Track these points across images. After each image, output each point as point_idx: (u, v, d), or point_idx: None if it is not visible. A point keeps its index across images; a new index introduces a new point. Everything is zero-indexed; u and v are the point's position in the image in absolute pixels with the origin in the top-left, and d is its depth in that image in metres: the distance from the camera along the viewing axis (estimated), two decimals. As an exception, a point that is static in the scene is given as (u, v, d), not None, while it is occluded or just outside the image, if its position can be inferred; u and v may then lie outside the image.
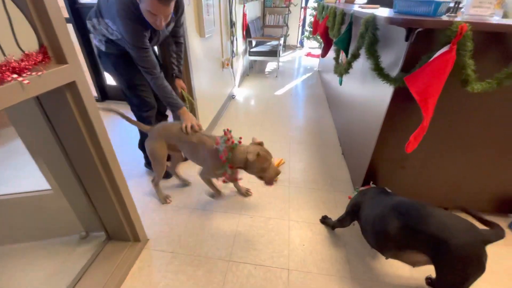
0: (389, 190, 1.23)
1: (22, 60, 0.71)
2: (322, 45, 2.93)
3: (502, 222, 1.53)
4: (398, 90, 1.21)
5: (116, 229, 1.30)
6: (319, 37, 5.73)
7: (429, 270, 1.05)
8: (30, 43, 0.74)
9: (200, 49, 2.10)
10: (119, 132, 2.47)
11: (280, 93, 3.54)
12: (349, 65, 1.56)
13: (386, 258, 1.11)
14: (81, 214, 1.31)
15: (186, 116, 1.45)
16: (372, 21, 1.24)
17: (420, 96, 1.04)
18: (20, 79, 0.68)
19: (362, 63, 1.71)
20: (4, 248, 1.38)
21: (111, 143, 1.05)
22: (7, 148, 2.29)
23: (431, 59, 1.01)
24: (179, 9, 1.46)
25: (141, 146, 1.83)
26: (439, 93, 1.01)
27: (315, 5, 5.66)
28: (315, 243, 1.39)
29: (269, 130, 2.56)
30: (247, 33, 3.91)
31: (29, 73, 0.71)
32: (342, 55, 1.97)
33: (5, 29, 0.68)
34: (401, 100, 1.23)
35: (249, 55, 4.19)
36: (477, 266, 0.88)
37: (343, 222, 1.34)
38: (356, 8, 1.89)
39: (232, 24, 2.97)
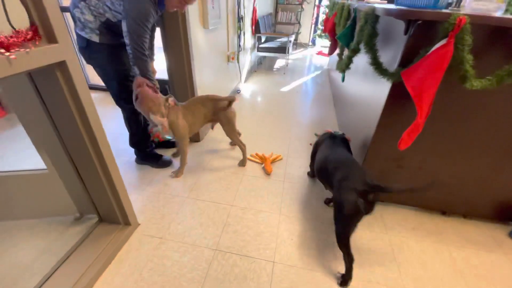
0: (343, 136, 1.51)
1: (11, 37, 0.73)
2: (330, 43, 2.89)
3: (502, 230, 1.47)
4: (396, 86, 1.17)
5: (107, 212, 1.32)
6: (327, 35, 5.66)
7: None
8: (21, 20, 0.76)
9: (203, 40, 2.10)
10: (118, 122, 2.52)
11: (286, 90, 3.51)
12: (349, 60, 1.53)
13: (326, 189, 1.43)
14: (75, 196, 1.35)
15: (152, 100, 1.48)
16: (371, 14, 1.21)
17: (415, 91, 1.01)
18: (7, 54, 0.70)
19: (363, 59, 1.66)
20: (3, 223, 1.43)
21: (102, 126, 1.07)
22: (16, 130, 2.38)
23: (428, 53, 0.97)
24: None
25: (132, 143, 1.84)
26: (435, 89, 0.97)
27: (328, 2, 5.58)
28: (304, 238, 1.38)
29: (270, 125, 2.55)
30: (256, 29, 3.89)
31: (17, 49, 0.74)
32: (346, 51, 1.93)
33: (-5, 6, 0.70)
34: (399, 96, 1.20)
35: (258, 50, 4.18)
36: (355, 208, 1.07)
37: (311, 167, 1.69)
38: (361, 2, 1.84)
39: (240, 18, 2.96)
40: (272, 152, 2.06)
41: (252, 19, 3.67)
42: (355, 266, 1.18)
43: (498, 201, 1.42)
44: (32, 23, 0.79)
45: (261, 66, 4.63)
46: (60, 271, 1.13)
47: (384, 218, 1.51)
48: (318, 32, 5.96)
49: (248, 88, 3.53)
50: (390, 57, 1.23)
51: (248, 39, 3.56)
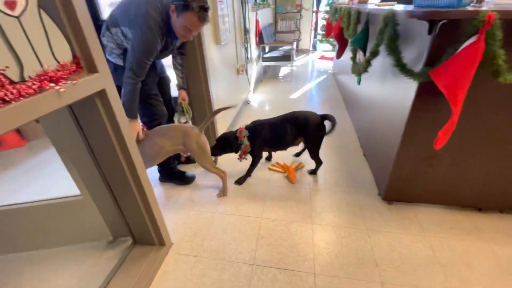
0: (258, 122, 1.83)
1: (58, 70, 0.76)
2: (337, 47, 2.91)
3: (544, 222, 1.42)
4: (423, 85, 1.17)
5: (142, 234, 1.32)
6: (332, 40, 5.71)
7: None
8: (64, 54, 0.79)
9: (216, 56, 2.14)
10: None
11: (295, 97, 3.53)
12: (368, 63, 1.54)
13: (286, 149, 1.87)
14: (109, 219, 1.35)
15: (132, 126, 1.41)
16: (392, 17, 1.22)
17: (448, 89, 1.00)
18: (57, 87, 0.72)
19: (381, 61, 1.67)
20: (37, 253, 1.44)
21: (137, 149, 1.08)
22: (39, 158, 2.42)
23: (458, 50, 0.98)
24: None
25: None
26: (468, 86, 0.97)
27: (327, 8, 5.66)
28: (341, 247, 1.35)
29: (286, 133, 2.55)
30: (260, 39, 3.95)
31: (64, 82, 0.76)
32: (359, 54, 1.94)
33: (42, 42, 0.72)
34: (426, 95, 1.19)
35: (263, 60, 4.23)
36: (323, 128, 1.76)
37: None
38: (371, 6, 1.87)
39: (246, 31, 3.02)
40: (293, 161, 2.06)
41: (255, 30, 3.73)
42: (399, 273, 1.15)
43: (537, 193, 1.38)
44: (74, 55, 0.81)
45: (266, 75, 4.68)
46: (102, 297, 1.13)
47: (419, 219, 1.48)
48: (319, 37, 6.03)
49: (257, 98, 3.56)
50: (413, 57, 1.23)
51: (253, 51, 3.62)
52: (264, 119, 1.84)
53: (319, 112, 1.81)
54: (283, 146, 1.83)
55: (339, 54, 2.84)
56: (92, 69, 0.86)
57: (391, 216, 1.52)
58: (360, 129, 2.35)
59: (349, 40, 2.07)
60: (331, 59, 5.39)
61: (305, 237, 1.41)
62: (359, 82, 1.95)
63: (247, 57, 3.17)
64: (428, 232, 1.40)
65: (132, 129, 1.44)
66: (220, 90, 2.26)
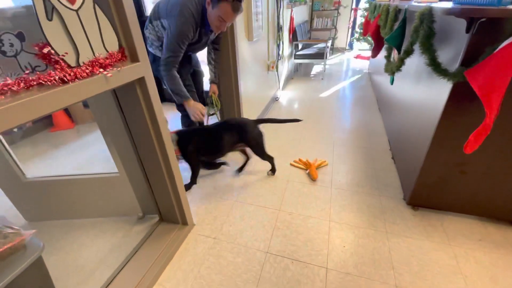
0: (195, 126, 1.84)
1: (106, 58, 0.87)
2: (373, 45, 2.82)
3: None
4: (457, 86, 1.11)
5: (168, 212, 1.44)
6: (369, 38, 5.48)
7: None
8: (112, 44, 0.90)
9: (247, 52, 2.21)
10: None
11: (326, 96, 3.48)
12: (401, 61, 1.49)
13: (224, 156, 1.83)
14: (140, 197, 1.49)
15: (190, 107, 1.57)
16: (428, 14, 1.17)
17: (483, 90, 0.95)
18: (105, 73, 0.84)
19: (416, 61, 1.60)
20: (77, 221, 1.64)
21: (169, 134, 1.19)
22: (85, 140, 2.72)
23: (496, 50, 0.92)
24: None
25: None
26: (505, 88, 0.91)
27: (367, 5, 5.44)
28: (357, 246, 1.34)
29: (312, 131, 2.54)
30: (293, 37, 3.95)
31: (111, 69, 0.87)
32: (394, 53, 1.88)
33: (95, 33, 0.84)
34: (461, 97, 1.13)
35: (295, 58, 4.22)
36: (259, 132, 1.77)
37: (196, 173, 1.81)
38: (411, 3, 1.78)
39: (279, 28, 3.04)
40: (317, 158, 2.06)
41: (289, 28, 3.74)
42: (418, 279, 1.12)
43: None
44: (120, 46, 0.93)
45: (298, 73, 4.66)
46: (129, 265, 1.26)
47: (444, 228, 1.41)
48: (356, 35, 5.82)
49: (287, 95, 3.57)
50: (449, 56, 1.17)
51: (285, 48, 3.63)
52: (198, 126, 1.83)
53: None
54: (220, 154, 1.78)
55: (375, 53, 2.74)
56: (134, 58, 0.97)
57: (415, 222, 1.47)
58: (391, 131, 2.27)
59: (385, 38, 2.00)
60: (368, 58, 5.19)
61: (321, 233, 1.43)
62: (391, 82, 1.88)
63: (279, 54, 3.19)
64: (453, 242, 1.33)
65: (192, 107, 1.58)
66: (248, 85, 2.32)
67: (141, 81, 1.01)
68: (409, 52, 1.43)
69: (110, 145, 1.34)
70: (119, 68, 0.88)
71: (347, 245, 1.36)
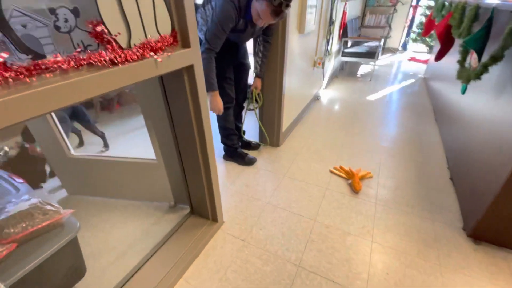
0: None
1: (158, 41, 0.81)
2: (436, 47, 2.49)
3: None
4: None
5: (199, 206, 1.40)
6: (429, 40, 4.95)
7: None
8: (165, 27, 0.84)
9: (296, 46, 2.07)
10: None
11: (373, 99, 3.21)
12: (484, 68, 1.24)
13: None
14: (174, 186, 1.47)
15: (213, 99, 1.54)
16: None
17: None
18: (155, 57, 0.78)
19: (499, 69, 1.34)
20: (113, 201, 1.67)
21: (210, 126, 1.12)
22: (127, 123, 2.82)
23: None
24: None
25: (222, 139, 1.95)
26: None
27: (430, 3, 4.91)
28: (403, 276, 1.17)
29: (355, 137, 2.34)
30: (344, 33, 3.68)
31: (162, 53, 0.81)
32: (472, 57, 1.60)
33: (149, 14, 0.78)
34: None
35: (342, 55, 3.95)
36: None
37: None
38: (499, 1, 1.49)
39: (331, 22, 2.83)
40: (360, 168, 1.87)
41: (341, 23, 3.49)
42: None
43: None
44: (173, 29, 0.86)
45: (343, 72, 4.37)
46: (157, 255, 1.24)
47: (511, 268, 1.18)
48: (413, 35, 5.30)
49: (329, 95, 3.36)
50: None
51: (334, 44, 3.40)
52: None
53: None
54: None
55: (440, 56, 2.41)
56: (185, 44, 0.90)
57: (475, 258, 1.25)
58: (451, 147, 1.98)
59: (461, 40, 1.71)
60: (424, 61, 4.70)
61: (361, 254, 1.28)
62: (463, 91, 1.62)
63: (327, 50, 2.99)
64: (528, 293, 1.10)
65: (214, 101, 1.56)
66: (292, 82, 2.19)
67: (190, 69, 0.94)
68: (497, 59, 1.18)
69: (150, 130, 1.32)
70: (169, 53, 0.82)
71: (391, 272, 1.19)
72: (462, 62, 1.66)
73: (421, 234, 1.38)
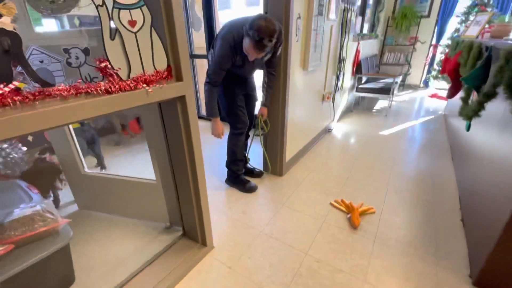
0: None
1: (153, 75, 0.95)
2: (450, 84, 2.46)
3: None
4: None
5: (190, 229, 1.44)
6: (446, 76, 4.86)
7: None
8: (161, 63, 0.98)
9: (300, 80, 2.18)
10: (212, 148, 2.82)
11: (387, 133, 3.15)
12: (479, 105, 1.23)
13: None
14: (170, 208, 1.54)
15: (214, 124, 1.73)
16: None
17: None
18: (147, 88, 0.91)
19: (503, 106, 1.30)
20: (117, 218, 1.77)
21: (201, 152, 1.21)
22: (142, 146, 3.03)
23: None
24: (278, 42, 1.60)
25: (228, 163, 2.02)
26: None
27: (449, 42, 4.92)
28: (394, 324, 1.07)
29: (363, 171, 2.28)
30: (357, 69, 3.78)
31: (155, 85, 0.94)
32: (474, 95, 1.58)
33: (148, 53, 0.93)
34: None
35: (356, 91, 4.01)
36: None
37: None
38: (500, 40, 1.50)
39: (341, 60, 2.96)
40: (363, 203, 1.81)
41: (354, 60, 3.61)
42: None
43: None
44: (168, 65, 1.00)
45: (359, 107, 4.39)
46: (144, 272, 1.28)
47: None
48: (434, 73, 5.25)
49: (341, 128, 3.37)
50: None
51: (347, 80, 3.49)
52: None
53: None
54: None
55: (452, 94, 2.37)
56: (179, 78, 1.03)
57: (484, 314, 1.11)
58: (464, 187, 1.86)
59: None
60: (446, 98, 4.57)
61: (350, 294, 1.20)
62: (467, 128, 1.57)
63: (337, 85, 3.08)
64: None
65: (216, 125, 1.74)
66: (297, 113, 2.26)
67: (182, 99, 1.06)
68: (490, 96, 1.17)
69: (152, 153, 1.44)
70: (161, 85, 0.94)
71: (381, 318, 1.10)
72: (465, 99, 1.64)
73: (422, 279, 1.27)
